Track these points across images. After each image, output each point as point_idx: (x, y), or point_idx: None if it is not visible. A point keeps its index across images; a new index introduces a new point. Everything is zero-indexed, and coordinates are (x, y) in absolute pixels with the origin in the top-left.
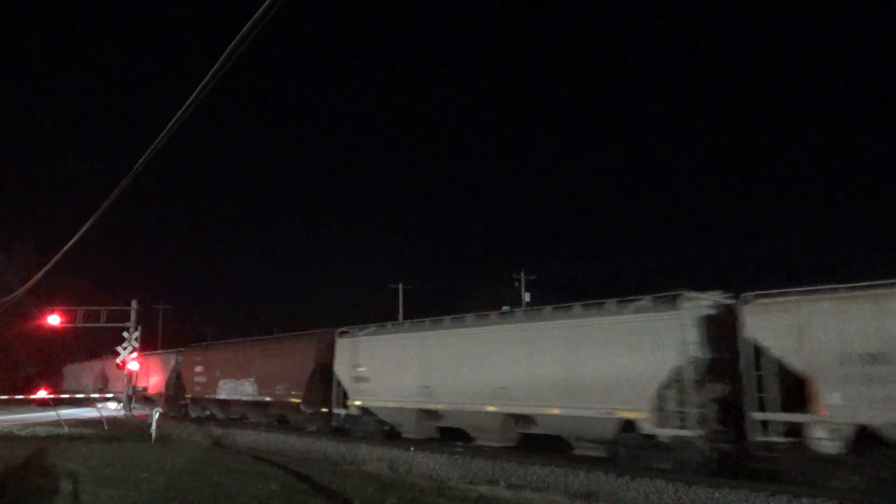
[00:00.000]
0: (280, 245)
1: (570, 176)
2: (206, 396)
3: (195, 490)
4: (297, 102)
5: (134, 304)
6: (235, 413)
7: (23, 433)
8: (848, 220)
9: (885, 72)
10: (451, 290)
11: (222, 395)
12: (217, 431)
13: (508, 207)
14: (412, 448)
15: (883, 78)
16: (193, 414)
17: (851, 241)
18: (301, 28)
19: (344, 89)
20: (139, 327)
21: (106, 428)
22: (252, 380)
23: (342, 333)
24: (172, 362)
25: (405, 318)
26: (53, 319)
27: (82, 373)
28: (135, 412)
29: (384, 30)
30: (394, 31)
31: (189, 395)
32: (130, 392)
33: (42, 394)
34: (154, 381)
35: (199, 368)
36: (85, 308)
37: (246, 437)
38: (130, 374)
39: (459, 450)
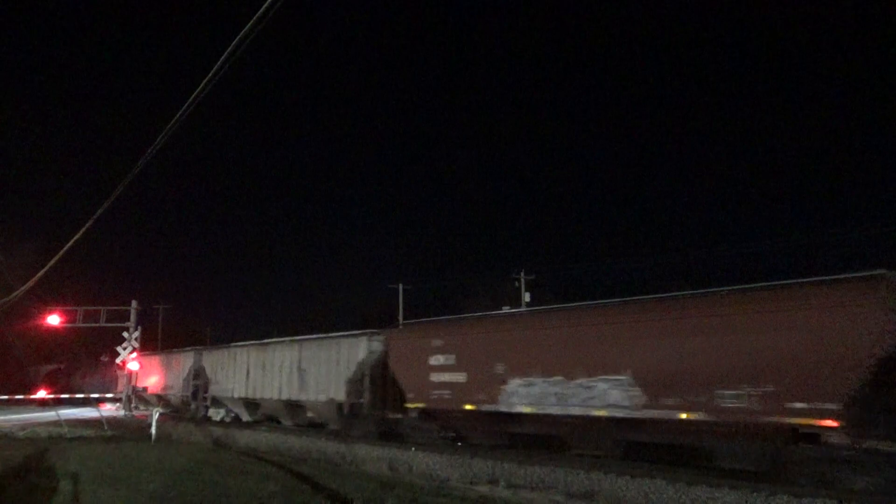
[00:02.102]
0: (280, 245)
1: (571, 176)
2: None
3: (195, 490)
4: (298, 103)
5: (134, 304)
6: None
7: (23, 433)
8: (848, 220)
9: (885, 72)
10: (451, 290)
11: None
12: (217, 431)
13: (509, 207)
14: (412, 448)
15: (883, 78)
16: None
17: (851, 242)
18: (302, 29)
19: (344, 90)
20: (139, 327)
21: (106, 428)
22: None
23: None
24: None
25: (405, 318)
26: (53, 319)
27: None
28: (137, 413)
29: (385, 30)
30: (395, 31)
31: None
32: (130, 392)
33: (42, 394)
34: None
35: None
36: (85, 308)
37: (246, 437)
38: (131, 374)
39: (459, 450)
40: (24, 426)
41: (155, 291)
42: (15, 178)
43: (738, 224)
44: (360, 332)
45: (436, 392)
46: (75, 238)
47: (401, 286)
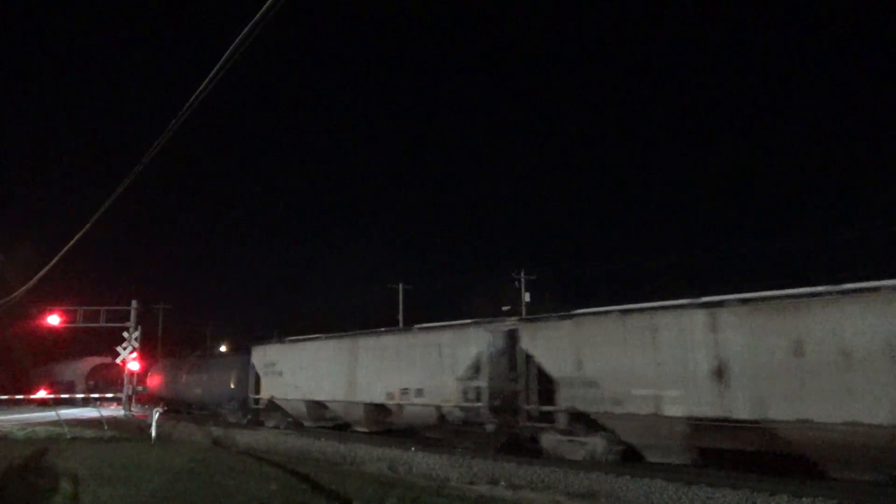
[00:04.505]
0: (280, 245)
1: (571, 176)
2: None
3: (195, 490)
4: (298, 103)
5: (134, 304)
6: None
7: (23, 433)
8: (847, 220)
9: (885, 72)
10: (451, 290)
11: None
12: (217, 431)
13: (508, 207)
14: (413, 448)
15: (883, 78)
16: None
17: (851, 241)
18: (302, 29)
19: (344, 90)
20: (139, 327)
21: (106, 428)
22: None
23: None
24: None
25: (405, 318)
26: (53, 319)
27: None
28: (136, 412)
29: (386, 30)
30: (395, 31)
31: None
32: (130, 392)
33: (42, 394)
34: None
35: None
36: (85, 308)
37: (246, 437)
38: (131, 374)
39: (459, 450)
40: (24, 426)
41: (155, 291)
42: (15, 178)
43: (738, 224)
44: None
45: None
46: (75, 238)
47: (401, 286)
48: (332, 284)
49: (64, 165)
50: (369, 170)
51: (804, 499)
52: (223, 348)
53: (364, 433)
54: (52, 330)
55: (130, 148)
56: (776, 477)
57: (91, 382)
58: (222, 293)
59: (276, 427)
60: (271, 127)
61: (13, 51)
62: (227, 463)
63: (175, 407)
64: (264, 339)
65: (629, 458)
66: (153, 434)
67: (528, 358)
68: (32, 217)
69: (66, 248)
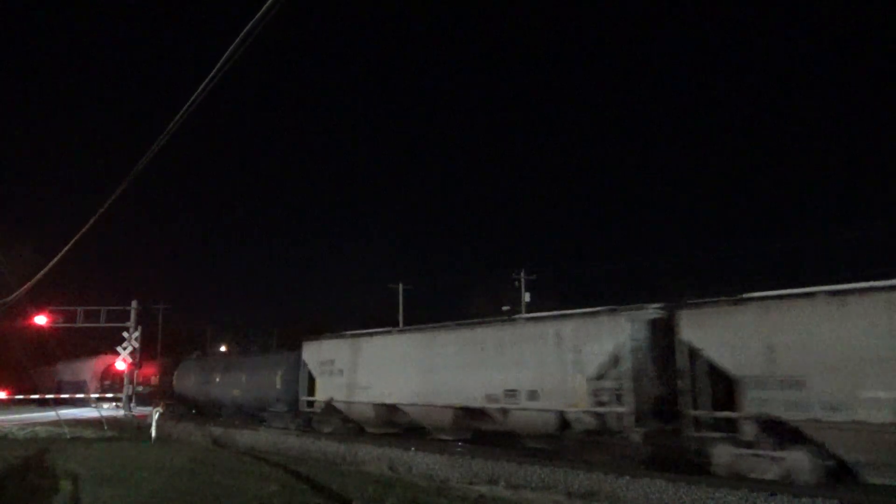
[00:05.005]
0: (279, 245)
1: (571, 176)
2: None
3: (195, 490)
4: (298, 103)
5: (134, 304)
6: None
7: (23, 433)
8: (847, 220)
9: (885, 72)
10: (451, 290)
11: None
12: (217, 431)
13: (508, 207)
14: (412, 448)
15: (883, 78)
16: None
17: (851, 241)
18: (301, 29)
19: (344, 90)
20: (139, 327)
21: (105, 428)
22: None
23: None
24: None
25: (405, 318)
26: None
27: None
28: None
29: (386, 30)
30: (395, 31)
31: None
32: (130, 392)
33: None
34: None
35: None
36: (85, 308)
37: (245, 437)
38: (131, 374)
39: (459, 450)
40: (24, 426)
41: (155, 291)
42: (15, 178)
43: (738, 224)
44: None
45: None
46: (75, 238)
47: (401, 286)
48: (332, 284)
49: (64, 165)
50: (369, 170)
51: (804, 499)
52: (223, 348)
53: (449, 441)
54: (54, 330)
55: (130, 148)
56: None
57: (107, 382)
58: (222, 293)
59: (334, 432)
60: (271, 127)
61: (13, 51)
62: (226, 463)
63: (203, 410)
64: (316, 333)
65: (836, 477)
66: (153, 434)
67: (694, 352)
68: (32, 217)
69: (66, 249)
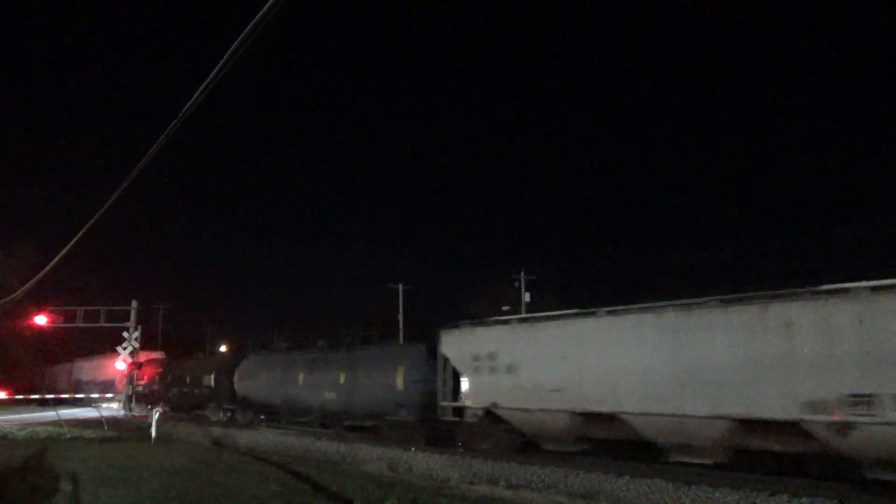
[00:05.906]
0: (280, 245)
1: (571, 176)
2: None
3: (195, 490)
4: (298, 103)
5: (134, 304)
6: None
7: (23, 433)
8: (847, 220)
9: (885, 72)
10: (451, 290)
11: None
12: (217, 431)
13: (508, 207)
14: (413, 448)
15: (883, 78)
16: None
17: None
18: (301, 29)
19: (344, 90)
20: (139, 327)
21: (106, 428)
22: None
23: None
24: None
25: (405, 318)
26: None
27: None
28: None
29: (386, 30)
30: (395, 32)
31: None
32: (130, 392)
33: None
34: None
35: None
36: (85, 308)
37: (246, 438)
38: (131, 374)
39: (459, 450)
40: (24, 426)
41: (155, 291)
42: (15, 179)
43: (738, 224)
44: None
45: None
46: (75, 238)
47: (401, 286)
48: (332, 284)
49: (64, 165)
50: (369, 170)
51: (804, 499)
52: (223, 348)
53: (709, 466)
54: (56, 330)
55: (130, 148)
56: (776, 477)
57: (141, 383)
58: (222, 293)
59: (493, 450)
60: (271, 127)
61: (13, 51)
62: (227, 463)
63: (281, 417)
64: (457, 320)
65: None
66: (153, 434)
67: None
68: (32, 217)
69: (66, 249)
